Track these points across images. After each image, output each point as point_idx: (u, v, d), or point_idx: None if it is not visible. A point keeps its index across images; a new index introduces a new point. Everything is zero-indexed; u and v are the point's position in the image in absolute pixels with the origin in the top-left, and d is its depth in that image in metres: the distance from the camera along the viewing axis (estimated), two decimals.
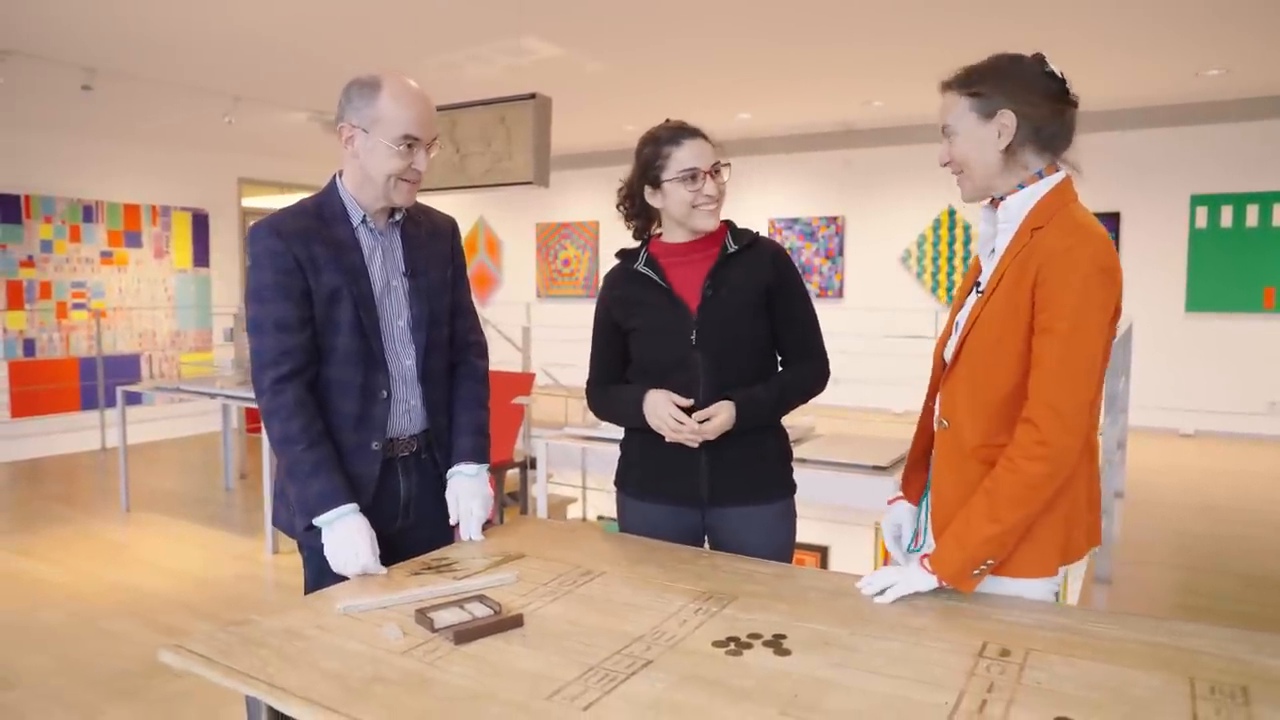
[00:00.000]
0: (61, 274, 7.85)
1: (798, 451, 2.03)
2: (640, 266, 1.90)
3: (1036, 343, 1.42)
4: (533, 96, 4.29)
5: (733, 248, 1.87)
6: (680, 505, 1.89)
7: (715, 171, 1.84)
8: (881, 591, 1.46)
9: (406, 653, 1.27)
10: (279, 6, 4.68)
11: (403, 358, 1.78)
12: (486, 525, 1.85)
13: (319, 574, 1.69)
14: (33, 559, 4.59)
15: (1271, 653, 1.23)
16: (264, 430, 1.78)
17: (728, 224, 1.92)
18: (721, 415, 1.78)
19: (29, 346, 7.68)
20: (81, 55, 5.48)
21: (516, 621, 1.37)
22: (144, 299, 8.49)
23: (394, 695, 1.14)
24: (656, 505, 1.91)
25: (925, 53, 5.70)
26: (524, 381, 4.58)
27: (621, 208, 1.97)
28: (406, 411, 1.79)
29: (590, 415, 2.66)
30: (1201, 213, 7.51)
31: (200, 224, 8.93)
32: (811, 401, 1.93)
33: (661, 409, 1.80)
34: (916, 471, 1.72)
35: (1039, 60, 1.48)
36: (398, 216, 1.79)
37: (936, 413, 1.60)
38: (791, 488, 1.95)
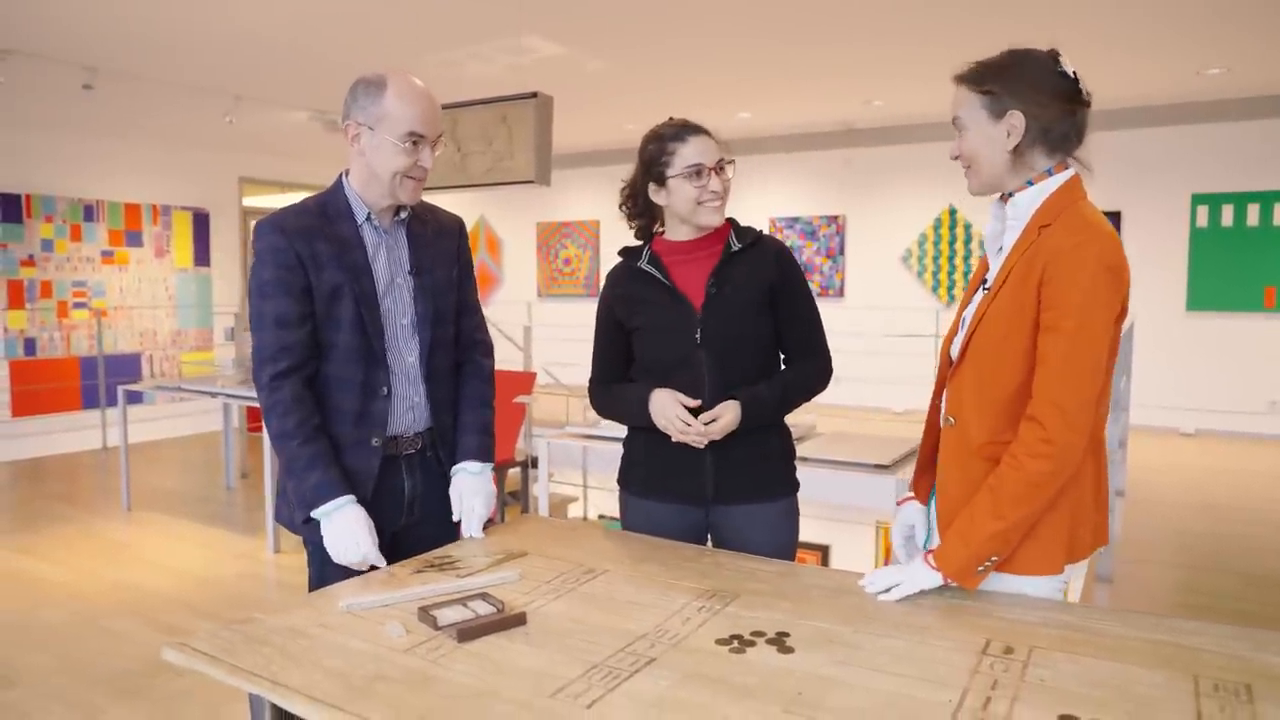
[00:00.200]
0: (62, 273, 7.85)
1: (799, 450, 2.03)
2: (643, 264, 1.90)
3: (1042, 340, 1.41)
4: (534, 95, 4.29)
5: (736, 246, 1.87)
6: (684, 503, 1.89)
7: (720, 168, 1.84)
8: (887, 590, 1.46)
9: (409, 651, 1.27)
10: (280, 6, 4.68)
11: (405, 355, 1.78)
12: (488, 524, 1.85)
13: (322, 568, 1.71)
14: (34, 558, 4.59)
15: (1275, 651, 1.23)
16: (264, 426, 1.80)
17: (731, 222, 1.91)
18: (727, 415, 1.78)
19: (30, 346, 7.68)
20: (82, 54, 5.48)
21: (519, 619, 1.37)
22: (145, 298, 8.49)
23: (397, 693, 1.14)
24: (660, 503, 1.91)
25: (926, 52, 5.70)
26: (525, 380, 4.58)
27: (624, 207, 1.97)
28: (409, 409, 1.80)
29: (591, 414, 2.66)
30: (1202, 212, 7.51)
31: (201, 223, 8.93)
32: (813, 400, 1.93)
33: (669, 409, 1.80)
34: (926, 472, 1.71)
35: (1053, 58, 1.47)
36: (403, 215, 1.80)
37: (943, 410, 1.60)
38: (795, 486, 1.95)
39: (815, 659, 1.23)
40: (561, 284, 10.82)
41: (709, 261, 1.87)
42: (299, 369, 1.69)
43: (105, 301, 8.15)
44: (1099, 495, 1.52)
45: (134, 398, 6.43)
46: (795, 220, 9.30)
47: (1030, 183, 1.49)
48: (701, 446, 1.81)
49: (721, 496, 1.86)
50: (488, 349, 1.96)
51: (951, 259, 8.59)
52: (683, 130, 1.84)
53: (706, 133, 1.85)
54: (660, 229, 1.96)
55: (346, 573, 1.65)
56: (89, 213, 8.01)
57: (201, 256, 8.95)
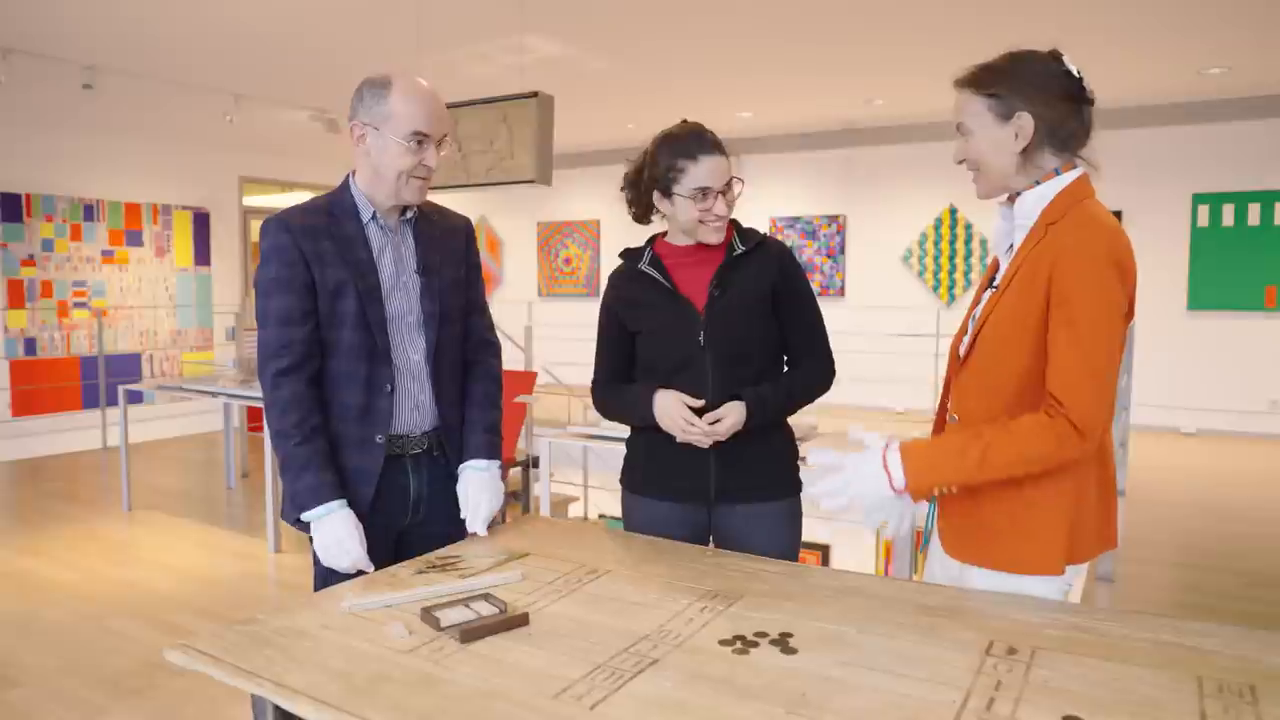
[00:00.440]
0: (62, 273, 7.85)
1: (800, 450, 2.02)
2: (645, 266, 1.90)
3: (1052, 336, 1.41)
4: (535, 95, 4.29)
5: (739, 249, 1.86)
6: (687, 503, 1.89)
7: (726, 188, 1.83)
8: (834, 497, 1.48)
9: (412, 651, 1.27)
10: (280, 5, 4.67)
11: (410, 353, 1.79)
12: (491, 524, 1.85)
13: (328, 568, 1.71)
14: (35, 558, 4.59)
15: (1279, 652, 1.22)
16: (265, 424, 1.81)
17: (734, 224, 1.91)
18: (732, 416, 1.78)
19: (30, 345, 7.68)
20: (82, 54, 5.48)
21: (522, 620, 1.36)
22: (145, 298, 8.49)
23: (400, 694, 1.14)
24: (663, 503, 1.91)
25: (927, 51, 5.70)
26: (526, 380, 4.58)
27: (625, 191, 1.96)
28: (414, 407, 1.80)
29: (592, 414, 2.65)
30: (1203, 211, 7.51)
31: (201, 223, 8.93)
32: (814, 400, 1.93)
33: (673, 410, 1.80)
34: None
35: (1056, 58, 1.47)
36: (410, 214, 1.81)
37: (949, 407, 1.60)
38: (798, 486, 1.95)
39: (819, 660, 1.23)
40: (562, 284, 10.82)
41: (712, 264, 1.87)
42: (301, 366, 1.70)
43: (105, 301, 8.15)
44: (1105, 497, 1.51)
45: (134, 397, 6.44)
46: (796, 220, 9.30)
47: (1037, 182, 1.49)
48: (706, 446, 1.81)
49: (724, 497, 1.87)
50: (496, 350, 1.97)
51: (952, 259, 8.59)
52: (696, 147, 1.81)
53: (719, 151, 1.83)
54: (658, 220, 1.96)
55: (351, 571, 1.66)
56: (89, 212, 8.01)
57: (202, 256, 8.95)
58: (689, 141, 1.83)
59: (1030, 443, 1.40)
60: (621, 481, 2.02)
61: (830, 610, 1.41)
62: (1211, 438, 7.53)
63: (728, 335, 1.83)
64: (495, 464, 1.87)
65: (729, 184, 1.84)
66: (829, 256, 9.15)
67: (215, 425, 7.82)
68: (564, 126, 5.37)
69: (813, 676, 1.18)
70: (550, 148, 4.39)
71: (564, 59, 5.84)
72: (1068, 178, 1.48)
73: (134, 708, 2.92)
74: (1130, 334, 5.56)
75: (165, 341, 8.68)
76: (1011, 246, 1.54)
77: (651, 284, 1.88)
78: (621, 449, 2.05)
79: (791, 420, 1.99)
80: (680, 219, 1.85)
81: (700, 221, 1.83)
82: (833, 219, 9.13)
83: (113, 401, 7.58)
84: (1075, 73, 1.46)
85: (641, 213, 1.96)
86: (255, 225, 9.64)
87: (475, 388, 1.90)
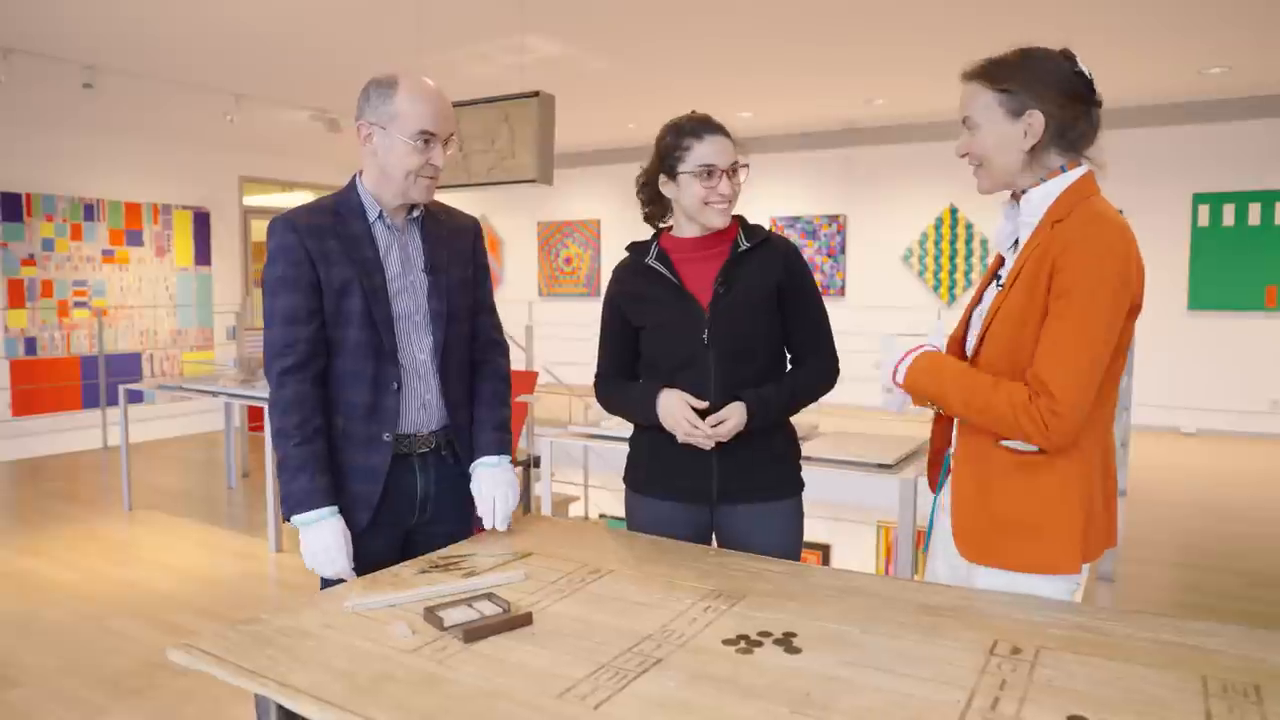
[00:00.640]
0: (63, 272, 7.85)
1: (802, 449, 2.02)
2: (651, 260, 1.89)
3: (1046, 325, 1.42)
4: (536, 94, 4.29)
5: (745, 245, 1.86)
6: (689, 503, 1.89)
7: (733, 171, 1.83)
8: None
9: (416, 651, 1.27)
10: (281, 5, 4.67)
11: (417, 351, 1.79)
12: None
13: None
14: (36, 558, 4.58)
15: None
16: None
17: (739, 220, 1.91)
18: (734, 417, 1.77)
19: (30, 345, 7.67)
20: (83, 53, 5.47)
21: (526, 620, 1.36)
22: (145, 297, 8.48)
23: (404, 694, 1.14)
24: (665, 503, 1.91)
25: (927, 51, 5.70)
26: (526, 380, 4.58)
27: (639, 194, 1.96)
28: (421, 406, 1.80)
29: (593, 413, 2.66)
30: (1204, 211, 7.51)
31: (201, 222, 8.92)
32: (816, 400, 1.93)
33: (676, 411, 1.79)
34: (936, 464, 1.71)
35: (1069, 58, 1.47)
36: (416, 213, 1.81)
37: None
38: (800, 486, 1.94)
39: (822, 659, 1.23)
40: (562, 283, 10.81)
41: (717, 260, 1.86)
42: (305, 365, 1.71)
43: (106, 301, 8.15)
44: (1108, 495, 1.51)
45: (135, 397, 6.43)
46: (796, 219, 9.30)
47: (1043, 179, 1.49)
48: (708, 448, 1.80)
49: (727, 497, 1.86)
50: (504, 349, 1.97)
51: (953, 258, 8.58)
52: (701, 127, 1.83)
53: (725, 133, 1.84)
54: (667, 224, 1.96)
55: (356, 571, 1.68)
56: (89, 212, 8.01)
57: (202, 256, 8.95)
58: (693, 123, 1.84)
59: (1006, 409, 1.42)
60: (625, 480, 2.02)
61: (834, 610, 1.41)
62: (1212, 437, 7.53)
63: (732, 332, 1.82)
64: (506, 459, 1.87)
65: (735, 167, 1.83)
66: (829, 256, 9.15)
67: (216, 425, 7.82)
68: (564, 126, 5.36)
69: (817, 676, 1.18)
70: (551, 147, 4.39)
71: (564, 59, 5.84)
72: (1073, 175, 1.47)
73: (134, 708, 2.92)
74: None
75: (165, 341, 8.68)
76: (1017, 243, 1.53)
77: (657, 279, 1.88)
78: (622, 448, 2.04)
79: (794, 419, 1.99)
80: (685, 201, 1.84)
81: (706, 203, 1.82)
82: (833, 219, 9.13)
83: (113, 401, 7.58)
84: (1087, 74, 1.46)
85: (655, 212, 1.95)
86: (255, 225, 9.65)
87: (484, 386, 1.91)
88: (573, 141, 9.14)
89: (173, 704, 2.94)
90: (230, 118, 6.76)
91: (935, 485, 1.70)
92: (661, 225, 1.98)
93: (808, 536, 2.02)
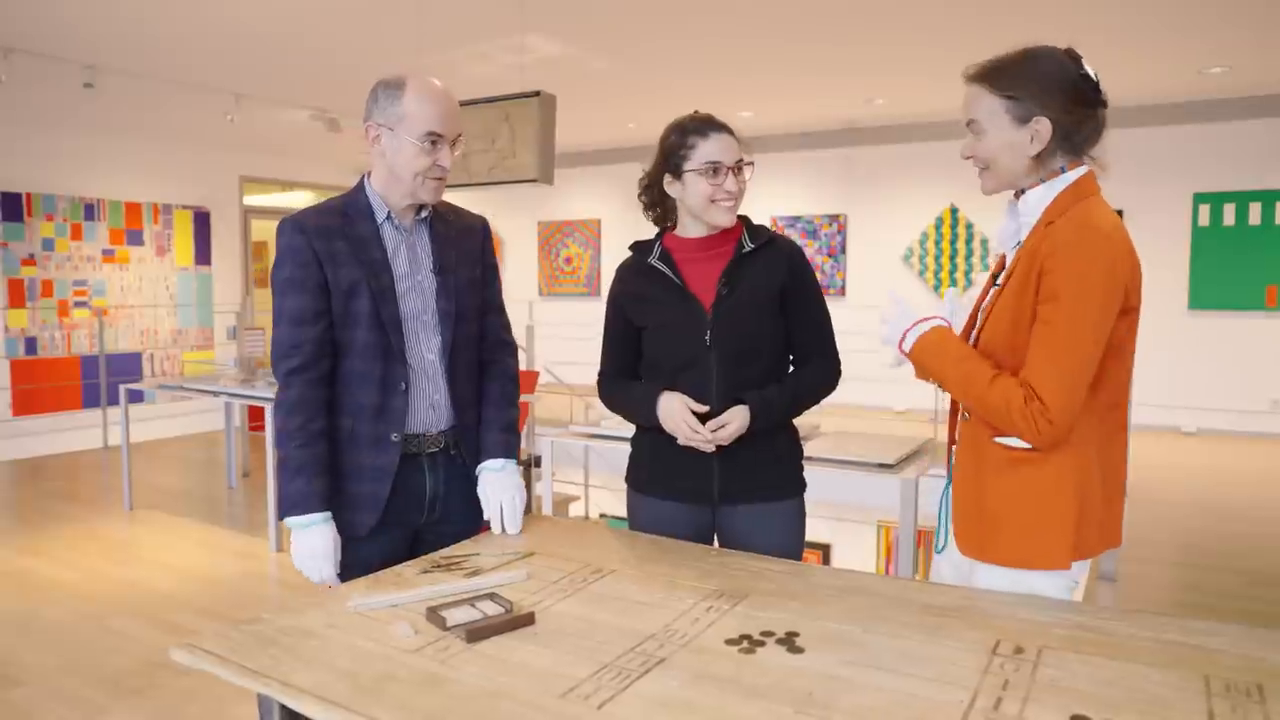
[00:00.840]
0: (63, 272, 7.85)
1: (805, 449, 2.02)
2: (654, 260, 1.89)
3: (1034, 329, 1.43)
4: (537, 94, 4.29)
5: (749, 246, 1.86)
6: (691, 503, 1.89)
7: (738, 168, 1.83)
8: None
9: (418, 651, 1.27)
10: (280, 5, 4.67)
11: (425, 351, 1.80)
12: (487, 524, 1.86)
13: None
14: (36, 558, 4.58)
15: None
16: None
17: (744, 221, 1.90)
18: (736, 421, 1.77)
19: (31, 345, 7.67)
20: (83, 53, 5.47)
21: (528, 619, 1.36)
22: (146, 297, 8.48)
23: (406, 693, 1.14)
24: (667, 503, 1.91)
25: (927, 51, 5.70)
26: (527, 380, 4.58)
27: (642, 196, 1.95)
28: (430, 406, 1.80)
29: (593, 413, 2.66)
30: (1204, 211, 7.51)
31: (202, 222, 8.92)
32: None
33: (676, 414, 1.79)
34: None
35: (1075, 61, 1.45)
36: (424, 214, 1.82)
37: (960, 405, 1.60)
38: (802, 486, 1.94)
39: (825, 659, 1.23)
40: (563, 283, 10.81)
41: (721, 261, 1.86)
42: (311, 366, 1.71)
43: (106, 300, 8.15)
44: (1110, 493, 1.51)
45: (135, 396, 6.43)
46: (796, 219, 9.30)
47: (1042, 180, 1.49)
48: (709, 452, 1.80)
49: (728, 497, 1.86)
50: (512, 349, 1.98)
51: (953, 258, 8.58)
52: (705, 125, 1.83)
53: (729, 131, 1.83)
54: (672, 225, 1.95)
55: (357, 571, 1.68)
56: (90, 211, 8.01)
57: (202, 255, 8.95)
58: (698, 121, 1.84)
59: (1002, 406, 1.43)
60: (627, 480, 2.01)
61: (836, 609, 1.41)
62: (1212, 437, 7.53)
63: (735, 333, 1.82)
64: (511, 462, 1.87)
65: (740, 165, 1.83)
66: (830, 256, 9.15)
67: (216, 424, 7.82)
68: (565, 126, 5.35)
69: (819, 676, 1.18)
70: (552, 147, 4.39)
71: (565, 59, 5.84)
72: (1072, 176, 1.47)
73: (134, 707, 2.92)
74: None
75: (166, 341, 8.68)
76: (1019, 243, 1.53)
77: (660, 279, 1.87)
78: (622, 448, 2.04)
79: (794, 420, 1.98)
80: (690, 200, 1.84)
81: (712, 200, 1.81)
82: (833, 218, 9.13)
83: (113, 401, 7.57)
84: (1093, 76, 1.45)
85: (660, 215, 1.95)
86: (256, 225, 9.65)
87: (492, 387, 1.91)
88: (573, 141, 9.14)
89: (174, 704, 2.94)
90: (230, 117, 6.76)
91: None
92: (665, 228, 1.97)
93: (808, 536, 2.01)
